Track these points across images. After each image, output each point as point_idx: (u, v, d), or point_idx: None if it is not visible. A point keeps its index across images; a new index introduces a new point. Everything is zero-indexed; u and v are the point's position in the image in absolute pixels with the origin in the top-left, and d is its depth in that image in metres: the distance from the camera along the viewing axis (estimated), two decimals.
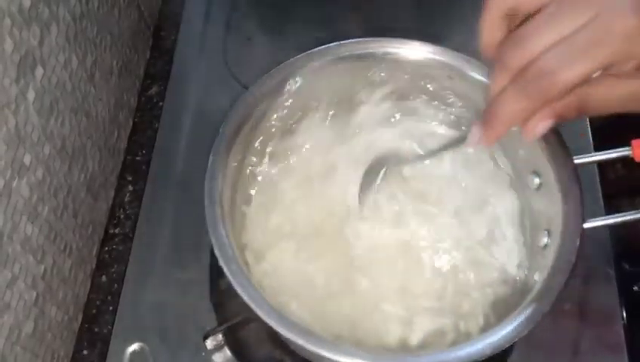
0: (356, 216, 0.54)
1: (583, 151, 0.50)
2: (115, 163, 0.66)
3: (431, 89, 0.56)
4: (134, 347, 0.55)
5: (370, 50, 0.55)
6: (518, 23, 0.36)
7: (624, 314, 0.56)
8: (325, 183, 0.56)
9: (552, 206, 0.48)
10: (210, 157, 0.49)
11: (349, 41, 0.55)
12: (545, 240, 0.49)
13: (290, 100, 0.55)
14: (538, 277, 0.47)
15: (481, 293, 0.51)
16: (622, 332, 0.55)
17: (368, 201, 0.54)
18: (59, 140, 0.53)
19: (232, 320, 0.54)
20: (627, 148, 0.48)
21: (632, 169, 0.49)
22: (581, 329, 0.55)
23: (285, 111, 0.56)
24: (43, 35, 0.49)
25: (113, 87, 0.64)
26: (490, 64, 0.38)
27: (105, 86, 0.62)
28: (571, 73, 0.32)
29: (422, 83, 0.56)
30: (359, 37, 0.55)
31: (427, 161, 0.55)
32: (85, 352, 0.57)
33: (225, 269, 0.45)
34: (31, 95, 0.48)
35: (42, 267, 0.51)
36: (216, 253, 0.45)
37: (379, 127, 0.59)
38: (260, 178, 0.57)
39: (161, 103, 0.70)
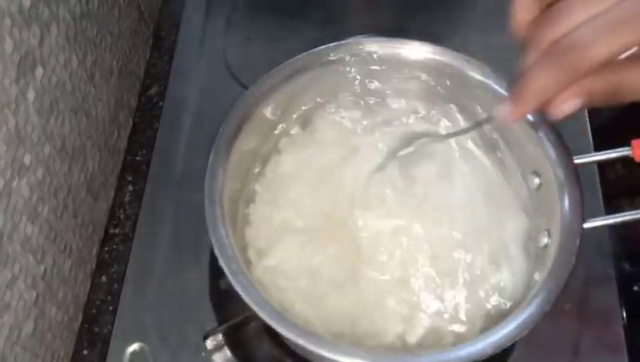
0: (362, 208, 0.54)
1: (583, 151, 0.50)
2: (115, 163, 0.66)
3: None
4: (134, 347, 0.55)
5: (370, 50, 0.55)
6: (549, 2, 0.36)
7: (624, 314, 0.56)
8: (336, 176, 0.55)
9: (552, 206, 0.48)
10: (210, 157, 0.49)
11: (349, 41, 0.55)
12: (545, 240, 0.49)
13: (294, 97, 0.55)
14: (538, 277, 0.47)
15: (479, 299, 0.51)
16: (622, 332, 0.54)
17: (379, 191, 0.54)
18: (59, 140, 0.53)
19: (232, 320, 0.53)
20: (627, 148, 0.48)
21: (632, 169, 0.49)
22: (581, 329, 0.55)
23: (290, 108, 0.56)
24: (43, 35, 0.49)
25: (113, 87, 0.64)
26: (522, 45, 0.38)
27: (105, 86, 0.62)
28: (602, 48, 0.32)
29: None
30: (359, 37, 0.55)
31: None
32: (85, 352, 0.57)
33: (225, 269, 0.45)
34: (31, 95, 0.48)
35: (42, 267, 0.51)
36: (217, 252, 0.45)
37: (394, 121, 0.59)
38: (266, 174, 0.56)
39: (161, 103, 0.70)
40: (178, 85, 0.70)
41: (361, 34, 0.55)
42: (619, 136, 0.49)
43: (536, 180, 0.52)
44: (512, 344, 0.43)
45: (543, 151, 0.50)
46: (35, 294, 0.50)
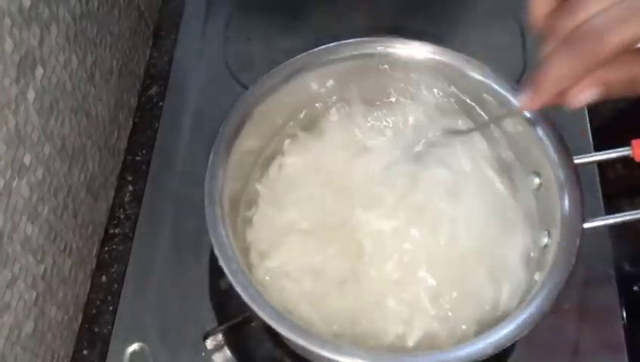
0: (365, 208, 0.53)
1: (583, 151, 0.50)
2: (115, 163, 0.66)
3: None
4: (134, 347, 0.55)
5: (371, 51, 0.55)
6: None
7: (624, 314, 0.56)
8: (341, 177, 0.55)
9: (552, 206, 0.48)
10: (210, 157, 0.49)
11: (349, 41, 0.55)
12: (545, 240, 0.49)
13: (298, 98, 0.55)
14: (538, 277, 0.47)
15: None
16: (622, 332, 0.54)
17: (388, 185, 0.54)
18: (59, 140, 0.53)
19: (232, 320, 0.54)
20: (627, 148, 0.48)
21: (632, 169, 0.49)
22: (581, 329, 0.55)
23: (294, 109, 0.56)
24: (43, 35, 0.49)
25: (113, 87, 0.64)
26: (539, 37, 0.38)
27: (105, 86, 0.62)
28: (617, 35, 0.33)
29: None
30: (359, 37, 0.55)
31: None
32: (85, 352, 0.57)
33: (225, 269, 0.45)
34: (31, 95, 0.48)
35: (42, 267, 0.51)
36: (217, 253, 0.45)
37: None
38: (270, 175, 0.56)
39: (161, 103, 0.70)
40: (178, 85, 0.70)
41: (361, 34, 0.55)
42: (619, 136, 0.49)
43: (536, 180, 0.52)
44: (512, 344, 0.43)
45: (543, 151, 0.50)
46: (35, 294, 0.50)
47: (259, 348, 0.55)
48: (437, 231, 0.52)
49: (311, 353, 0.42)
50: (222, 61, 0.71)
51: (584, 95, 0.37)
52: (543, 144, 0.50)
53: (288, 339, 0.43)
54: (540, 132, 0.50)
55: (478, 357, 0.42)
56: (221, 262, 0.45)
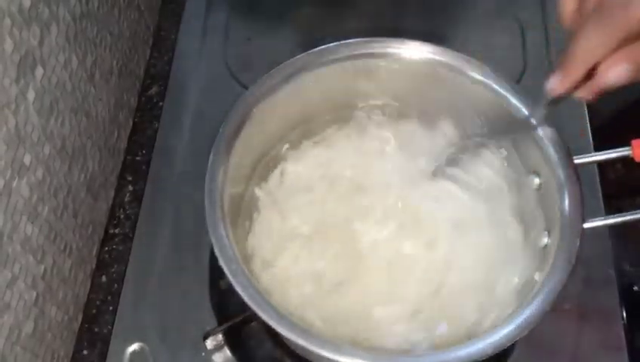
0: (365, 218, 0.54)
1: (583, 151, 0.50)
2: (115, 163, 0.66)
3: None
4: (134, 347, 0.55)
5: (370, 51, 0.55)
6: None
7: (624, 314, 0.56)
8: (343, 187, 0.56)
9: (552, 206, 0.48)
10: (210, 157, 0.49)
11: (349, 41, 0.55)
12: (545, 240, 0.49)
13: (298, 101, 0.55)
14: (538, 277, 0.47)
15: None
16: (622, 332, 0.54)
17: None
18: (59, 140, 0.53)
19: (232, 320, 0.54)
20: (627, 148, 0.48)
21: (632, 169, 0.49)
22: (581, 329, 0.55)
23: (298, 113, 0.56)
24: (43, 35, 0.49)
25: (113, 87, 0.64)
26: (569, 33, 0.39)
27: (105, 86, 0.62)
28: None
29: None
30: (359, 37, 0.55)
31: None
32: (85, 352, 0.57)
33: (225, 269, 0.45)
34: (31, 95, 0.48)
35: (42, 267, 0.51)
36: (217, 253, 0.45)
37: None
38: (270, 181, 0.57)
39: (161, 103, 0.70)
40: (178, 85, 0.70)
41: (361, 34, 0.55)
42: (619, 136, 0.49)
43: (536, 180, 0.52)
44: (512, 344, 0.43)
45: (543, 151, 0.50)
46: (35, 294, 0.50)
47: (259, 348, 0.55)
48: (435, 249, 0.53)
49: (311, 353, 0.42)
50: (222, 61, 0.71)
51: (614, 71, 0.36)
52: (543, 144, 0.50)
53: (288, 339, 0.43)
54: (540, 132, 0.50)
55: (478, 357, 0.42)
56: (221, 262, 0.45)
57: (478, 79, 0.53)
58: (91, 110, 0.59)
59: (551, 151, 0.49)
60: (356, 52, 0.55)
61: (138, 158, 0.68)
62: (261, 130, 0.54)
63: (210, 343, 0.53)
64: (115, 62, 0.64)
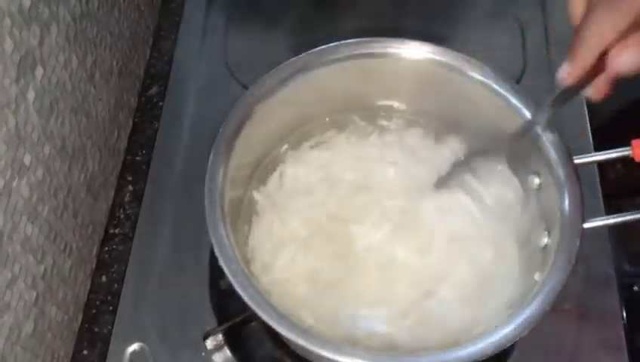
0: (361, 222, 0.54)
1: (583, 151, 0.50)
2: (115, 163, 0.66)
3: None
4: (134, 347, 0.55)
5: (370, 51, 0.55)
6: None
7: (624, 314, 0.56)
8: (343, 191, 0.56)
9: (552, 206, 0.48)
10: (210, 157, 0.49)
11: (349, 41, 0.55)
12: (545, 240, 0.49)
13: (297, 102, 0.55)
14: (538, 277, 0.47)
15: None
16: (622, 332, 0.55)
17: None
18: (59, 140, 0.53)
19: (232, 320, 0.54)
20: (627, 148, 0.48)
21: (632, 169, 0.49)
22: (581, 329, 0.55)
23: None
24: (43, 35, 0.49)
25: (113, 87, 0.64)
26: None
27: (105, 86, 0.62)
28: None
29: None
30: (359, 37, 0.55)
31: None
32: (85, 352, 0.57)
33: (225, 269, 0.45)
34: (31, 95, 0.48)
35: (42, 267, 0.51)
36: (217, 253, 0.45)
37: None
38: (269, 184, 0.57)
39: (161, 103, 0.70)
40: (178, 85, 0.70)
41: (361, 34, 0.55)
42: (619, 136, 0.49)
43: (536, 180, 0.52)
44: (512, 344, 0.43)
45: (543, 151, 0.50)
46: (35, 294, 0.50)
47: (259, 348, 0.55)
48: (428, 256, 0.53)
49: (311, 353, 0.42)
50: (222, 61, 0.71)
51: (626, 56, 0.35)
52: (543, 144, 0.50)
53: (288, 339, 0.43)
54: (540, 132, 0.50)
55: (479, 357, 0.42)
56: (221, 262, 0.45)
57: (478, 79, 0.53)
58: (91, 110, 0.59)
59: (551, 151, 0.49)
60: (356, 52, 0.55)
61: (138, 158, 0.68)
62: (261, 130, 0.54)
63: (210, 343, 0.53)
64: (115, 62, 0.64)
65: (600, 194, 0.60)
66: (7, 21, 0.44)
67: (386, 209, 0.55)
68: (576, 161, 0.49)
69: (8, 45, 0.44)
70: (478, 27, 0.73)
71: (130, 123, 0.69)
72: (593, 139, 0.64)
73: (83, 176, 0.58)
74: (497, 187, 0.55)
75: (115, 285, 0.60)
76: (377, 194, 0.56)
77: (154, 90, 0.72)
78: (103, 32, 0.61)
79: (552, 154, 0.49)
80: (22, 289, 0.48)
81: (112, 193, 0.65)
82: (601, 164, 0.59)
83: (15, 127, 0.46)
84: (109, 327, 0.57)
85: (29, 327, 0.49)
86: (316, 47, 0.54)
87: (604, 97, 0.40)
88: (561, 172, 0.48)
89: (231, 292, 0.44)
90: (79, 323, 0.58)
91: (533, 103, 0.51)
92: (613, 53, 0.36)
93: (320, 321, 0.49)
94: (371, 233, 0.54)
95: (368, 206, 0.55)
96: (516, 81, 0.67)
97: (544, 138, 0.50)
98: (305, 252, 0.53)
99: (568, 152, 0.49)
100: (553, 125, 0.49)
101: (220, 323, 0.55)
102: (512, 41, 0.72)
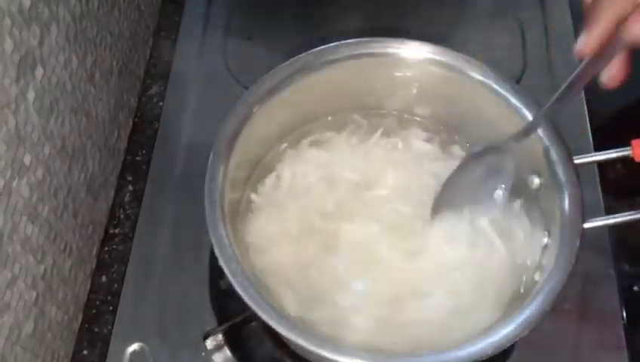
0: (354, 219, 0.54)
1: (583, 151, 0.50)
2: (115, 163, 0.66)
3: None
4: (134, 347, 0.55)
5: (370, 51, 0.55)
6: None
7: (624, 314, 0.56)
8: (340, 191, 0.56)
9: (552, 206, 0.48)
10: (210, 157, 0.49)
11: (349, 41, 0.55)
12: (545, 240, 0.49)
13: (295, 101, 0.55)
14: (538, 277, 0.47)
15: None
16: (622, 332, 0.55)
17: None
18: (59, 140, 0.53)
19: (232, 320, 0.54)
20: (627, 148, 0.48)
21: (632, 169, 0.49)
22: (581, 329, 0.55)
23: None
24: (43, 35, 0.49)
25: (113, 87, 0.64)
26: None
27: (105, 86, 0.62)
28: None
29: None
30: (359, 37, 0.55)
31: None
32: (85, 352, 0.57)
33: (225, 269, 0.45)
34: (31, 95, 0.48)
35: (42, 267, 0.51)
36: (217, 253, 0.45)
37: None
38: (267, 182, 0.57)
39: (161, 103, 0.70)
40: (178, 85, 0.70)
41: (361, 34, 0.55)
42: (619, 136, 0.49)
43: (536, 180, 0.52)
44: (512, 344, 0.43)
45: (543, 151, 0.50)
46: (35, 294, 0.50)
47: (259, 348, 0.55)
48: (415, 259, 0.53)
49: (311, 353, 0.42)
50: (222, 61, 0.71)
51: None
52: (543, 144, 0.50)
53: (288, 339, 0.43)
54: (540, 132, 0.50)
55: (479, 357, 0.42)
56: (221, 262, 0.45)
57: (478, 79, 0.53)
58: (91, 110, 0.59)
59: (551, 151, 0.49)
60: (356, 52, 0.55)
61: (138, 158, 0.68)
62: (261, 130, 0.54)
63: (210, 343, 0.53)
64: (115, 62, 0.64)
65: (600, 194, 0.60)
66: (7, 21, 0.44)
67: (380, 209, 0.55)
68: (576, 161, 0.49)
69: (8, 45, 0.44)
70: (478, 27, 0.74)
71: (130, 123, 0.69)
72: (593, 139, 0.64)
73: (83, 176, 0.58)
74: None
75: (115, 285, 0.60)
76: (374, 195, 0.56)
77: (154, 90, 0.72)
78: (103, 32, 0.61)
79: (552, 154, 0.49)
80: (22, 289, 0.48)
81: (112, 193, 0.65)
82: (601, 164, 0.59)
83: (15, 127, 0.46)
84: (109, 327, 0.57)
85: (29, 327, 0.49)
86: (316, 47, 0.54)
87: (620, 84, 0.39)
88: (561, 172, 0.49)
89: (231, 292, 0.44)
90: (79, 323, 0.58)
91: (534, 103, 0.51)
92: (629, 21, 0.35)
93: (302, 305, 0.50)
94: (358, 230, 0.54)
95: (362, 205, 0.55)
96: (516, 81, 0.67)
97: (544, 138, 0.50)
98: (296, 246, 0.53)
99: (568, 152, 0.49)
100: (553, 126, 0.50)
101: (220, 323, 0.55)
102: (512, 41, 0.72)
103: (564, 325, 0.55)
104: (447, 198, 0.53)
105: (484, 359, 0.42)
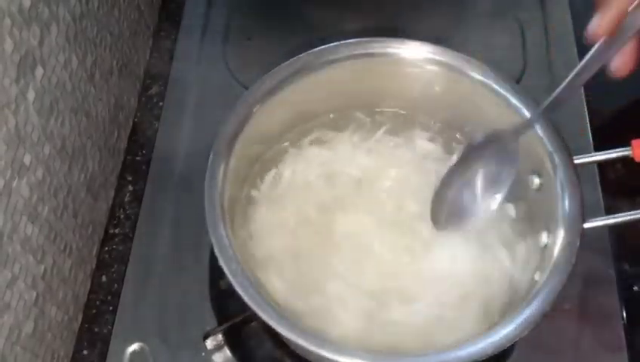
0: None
1: (583, 151, 0.50)
2: (115, 163, 0.66)
3: None
4: (134, 347, 0.55)
5: (370, 51, 0.55)
6: None
7: (624, 314, 0.56)
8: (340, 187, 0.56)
9: (552, 206, 0.48)
10: (210, 157, 0.49)
11: (349, 41, 0.55)
12: (545, 240, 0.49)
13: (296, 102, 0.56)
14: (538, 277, 0.47)
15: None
16: (622, 332, 0.55)
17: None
18: (59, 140, 0.53)
19: (232, 320, 0.54)
20: (627, 148, 0.48)
21: (632, 169, 0.49)
22: (581, 329, 0.55)
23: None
24: (43, 35, 0.49)
25: (113, 87, 0.64)
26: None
27: (105, 86, 0.62)
28: None
29: None
30: (359, 37, 0.55)
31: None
32: (85, 352, 0.57)
33: (225, 269, 0.45)
34: (31, 95, 0.48)
35: (42, 267, 0.51)
36: (217, 253, 0.45)
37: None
38: (266, 179, 0.57)
39: (161, 103, 0.70)
40: (178, 85, 0.70)
41: (361, 34, 0.55)
42: (619, 136, 0.49)
43: (536, 180, 0.52)
44: (512, 344, 0.43)
45: (543, 151, 0.50)
46: (35, 294, 0.50)
47: (259, 348, 0.55)
48: (408, 258, 0.53)
49: (311, 353, 0.42)
50: (222, 61, 0.71)
51: None
52: (543, 144, 0.50)
53: (288, 339, 0.43)
54: (540, 132, 0.50)
55: (479, 357, 0.42)
56: (221, 262, 0.45)
57: (478, 79, 0.53)
58: (91, 110, 0.59)
59: (551, 151, 0.49)
60: (356, 52, 0.55)
61: (138, 158, 0.68)
62: (261, 130, 0.54)
63: (210, 343, 0.53)
64: (115, 62, 0.64)
65: (600, 194, 0.60)
66: (7, 21, 0.44)
67: (379, 205, 0.55)
68: (576, 161, 0.49)
69: (8, 45, 0.44)
70: (478, 27, 0.74)
71: (130, 123, 0.69)
72: (593, 139, 0.64)
73: (83, 176, 0.58)
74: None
75: (115, 285, 0.60)
76: (376, 190, 0.56)
77: (154, 90, 0.72)
78: (103, 32, 0.61)
79: (552, 154, 0.49)
80: (22, 289, 0.48)
81: (112, 193, 0.65)
82: (601, 164, 0.59)
83: (15, 127, 0.46)
84: (109, 327, 0.57)
85: (29, 327, 0.49)
86: (316, 47, 0.54)
87: (630, 73, 0.39)
88: (561, 172, 0.49)
89: (231, 292, 0.44)
90: (79, 323, 0.58)
91: (534, 103, 0.51)
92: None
93: (290, 293, 0.50)
94: (355, 223, 0.54)
95: (362, 200, 0.55)
96: (516, 81, 0.67)
97: (544, 138, 0.50)
98: (291, 236, 0.54)
99: (568, 152, 0.49)
100: (553, 126, 0.49)
101: (220, 323, 0.55)
102: (512, 41, 0.72)
103: (564, 325, 0.55)
104: (445, 195, 0.52)
105: (484, 359, 0.42)
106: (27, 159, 0.48)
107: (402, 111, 0.60)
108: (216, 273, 0.58)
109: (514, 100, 0.52)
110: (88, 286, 0.60)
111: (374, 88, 0.58)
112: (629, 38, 0.38)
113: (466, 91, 0.55)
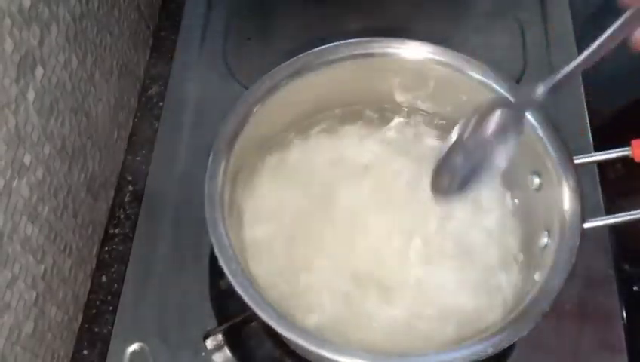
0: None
1: (583, 151, 0.50)
2: (115, 163, 0.66)
3: None
4: (134, 347, 0.55)
5: (370, 51, 0.55)
6: None
7: (624, 314, 0.56)
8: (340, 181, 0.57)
9: (552, 206, 0.48)
10: (210, 157, 0.49)
11: (349, 41, 0.55)
12: (545, 240, 0.49)
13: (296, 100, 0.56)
14: (538, 277, 0.47)
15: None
16: (622, 332, 0.55)
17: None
18: (59, 140, 0.53)
19: (232, 320, 0.54)
20: (627, 148, 0.48)
21: (632, 169, 0.49)
22: (581, 329, 0.55)
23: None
24: (43, 35, 0.49)
25: (113, 87, 0.64)
26: None
27: (105, 86, 0.62)
28: None
29: None
30: (359, 37, 0.55)
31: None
32: (85, 352, 0.57)
33: (225, 269, 0.45)
34: (31, 95, 0.48)
35: (42, 267, 0.51)
36: (217, 253, 0.45)
37: None
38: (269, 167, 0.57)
39: (161, 103, 0.70)
40: (178, 85, 0.70)
41: (361, 34, 0.55)
42: (619, 136, 0.49)
43: (536, 180, 0.52)
44: (512, 344, 0.43)
45: (543, 151, 0.50)
46: (35, 294, 0.50)
47: (259, 348, 0.55)
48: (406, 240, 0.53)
49: (311, 353, 0.42)
50: (222, 61, 0.71)
51: None
52: (543, 144, 0.50)
53: (288, 339, 0.43)
54: (540, 132, 0.50)
55: (478, 357, 0.42)
56: (221, 262, 0.45)
57: (478, 79, 0.53)
58: (91, 110, 0.59)
59: (551, 151, 0.49)
60: (356, 52, 0.55)
61: (138, 158, 0.68)
62: (261, 130, 0.54)
63: (210, 343, 0.53)
64: (115, 62, 0.64)
65: (600, 194, 0.60)
66: (7, 21, 0.44)
67: (384, 189, 0.55)
68: (576, 161, 0.49)
69: (8, 45, 0.44)
70: (478, 27, 0.73)
71: (130, 123, 0.69)
72: (593, 139, 0.64)
73: (83, 176, 0.58)
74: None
75: (115, 285, 0.60)
76: (381, 176, 0.56)
77: (154, 90, 0.72)
78: (103, 32, 0.61)
79: (552, 154, 0.49)
80: (22, 289, 0.48)
81: (112, 193, 0.65)
82: (601, 164, 0.59)
83: (15, 127, 0.46)
84: (109, 327, 0.57)
85: (29, 327, 0.49)
86: (316, 47, 0.54)
87: None
88: (561, 172, 0.49)
89: (231, 292, 0.44)
90: (79, 323, 0.58)
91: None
92: None
93: (276, 275, 0.51)
94: (352, 198, 0.54)
95: (365, 181, 0.56)
96: (516, 81, 0.67)
97: (544, 138, 0.50)
98: (289, 217, 0.54)
99: (568, 152, 0.49)
100: (553, 126, 0.49)
101: (220, 323, 0.55)
102: (512, 41, 0.72)
103: (564, 325, 0.55)
104: (447, 162, 0.49)
105: (484, 359, 0.42)
106: (27, 159, 0.48)
107: (402, 111, 0.60)
108: (216, 273, 0.58)
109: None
110: (88, 286, 0.60)
111: (374, 88, 0.58)
112: None
113: (466, 91, 0.55)
